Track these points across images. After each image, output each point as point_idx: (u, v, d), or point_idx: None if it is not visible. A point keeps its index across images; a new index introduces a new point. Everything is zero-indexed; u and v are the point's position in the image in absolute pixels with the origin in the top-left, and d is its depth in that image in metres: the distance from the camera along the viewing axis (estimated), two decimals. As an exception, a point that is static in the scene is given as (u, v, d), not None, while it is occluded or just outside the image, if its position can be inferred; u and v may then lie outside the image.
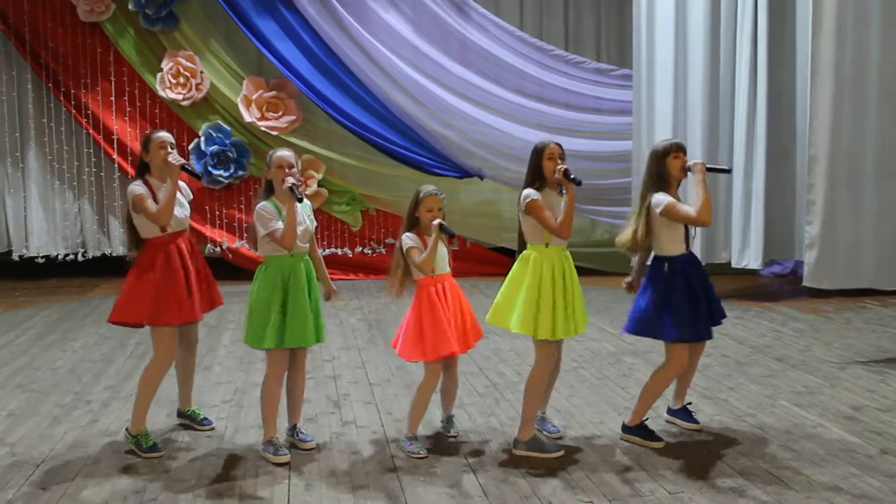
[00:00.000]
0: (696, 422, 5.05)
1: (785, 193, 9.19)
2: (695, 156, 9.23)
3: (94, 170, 11.05)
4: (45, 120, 10.91)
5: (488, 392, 5.81)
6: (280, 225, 4.51)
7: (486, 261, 11.05)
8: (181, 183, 4.84)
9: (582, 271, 4.89)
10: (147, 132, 4.93)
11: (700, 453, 4.61)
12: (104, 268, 11.10)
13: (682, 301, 4.64)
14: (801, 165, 8.61)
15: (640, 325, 4.74)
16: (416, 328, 4.63)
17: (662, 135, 9.41)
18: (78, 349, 7.23)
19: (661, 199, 4.65)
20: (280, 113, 10.81)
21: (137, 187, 4.69)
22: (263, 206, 4.57)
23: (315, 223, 4.88)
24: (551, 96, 11.01)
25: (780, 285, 10.30)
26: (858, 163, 7.64)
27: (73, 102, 10.87)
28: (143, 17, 10.66)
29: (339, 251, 11.22)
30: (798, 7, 8.90)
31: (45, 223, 10.99)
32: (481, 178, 11.00)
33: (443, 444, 4.81)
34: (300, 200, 4.47)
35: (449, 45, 10.94)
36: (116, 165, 10.95)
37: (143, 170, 4.80)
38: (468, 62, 10.94)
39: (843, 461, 4.45)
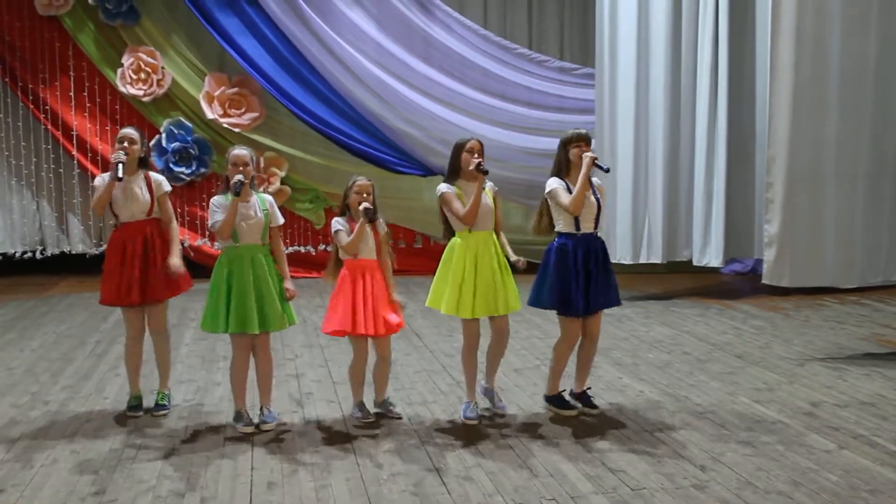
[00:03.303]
0: (595, 406, 5.31)
1: (745, 192, 9.31)
2: (656, 155, 9.37)
3: (52, 166, 10.88)
4: (1, 115, 10.70)
5: (451, 390, 5.81)
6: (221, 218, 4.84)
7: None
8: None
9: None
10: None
11: (662, 449, 4.65)
12: (63, 266, 10.94)
13: (556, 277, 5.04)
14: (761, 165, 8.71)
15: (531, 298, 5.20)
16: (333, 304, 5.01)
17: (624, 133, 9.49)
18: (36, 348, 7.11)
19: (551, 183, 5.10)
20: (243, 110, 10.73)
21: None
22: (214, 199, 4.95)
23: (279, 220, 5.11)
24: (515, 95, 11.04)
25: (740, 283, 10.42)
26: (817, 162, 7.73)
27: (30, 98, 10.69)
28: (103, 12, 10.52)
29: (302, 249, 11.16)
30: (758, 8, 9.02)
31: (3, 220, 10.78)
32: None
33: (405, 442, 4.80)
34: (237, 194, 4.78)
35: (413, 42, 10.93)
36: (76, 162, 10.79)
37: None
38: (432, 60, 10.94)
39: (802, 456, 4.51)
